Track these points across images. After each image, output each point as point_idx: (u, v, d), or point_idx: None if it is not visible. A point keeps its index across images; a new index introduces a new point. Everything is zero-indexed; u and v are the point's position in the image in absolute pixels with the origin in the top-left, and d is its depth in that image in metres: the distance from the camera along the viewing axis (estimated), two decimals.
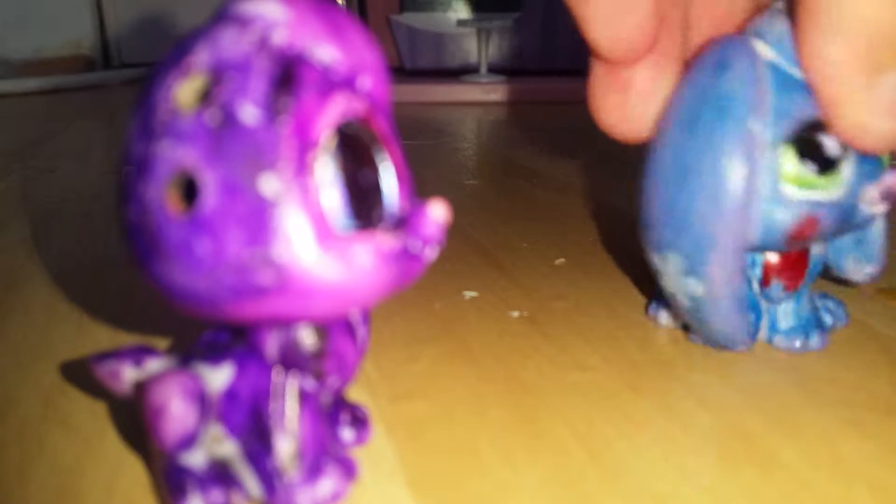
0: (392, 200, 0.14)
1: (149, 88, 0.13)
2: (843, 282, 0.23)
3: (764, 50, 0.19)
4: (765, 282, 0.21)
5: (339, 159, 0.16)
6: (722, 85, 0.18)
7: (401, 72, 0.91)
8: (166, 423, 0.14)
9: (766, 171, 0.18)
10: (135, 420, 0.16)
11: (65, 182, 0.45)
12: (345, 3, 0.86)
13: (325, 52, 0.13)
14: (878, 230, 0.22)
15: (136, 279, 0.14)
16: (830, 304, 0.23)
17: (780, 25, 0.19)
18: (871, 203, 0.20)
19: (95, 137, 0.63)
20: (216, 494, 0.14)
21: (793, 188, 0.19)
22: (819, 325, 0.22)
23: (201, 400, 0.14)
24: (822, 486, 0.16)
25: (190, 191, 0.12)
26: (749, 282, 0.22)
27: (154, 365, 0.15)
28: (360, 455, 0.17)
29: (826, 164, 0.19)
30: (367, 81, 0.14)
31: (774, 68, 0.19)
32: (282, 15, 0.13)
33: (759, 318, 0.22)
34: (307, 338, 0.14)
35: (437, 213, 0.14)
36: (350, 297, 0.13)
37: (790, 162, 0.18)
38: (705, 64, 0.19)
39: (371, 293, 0.13)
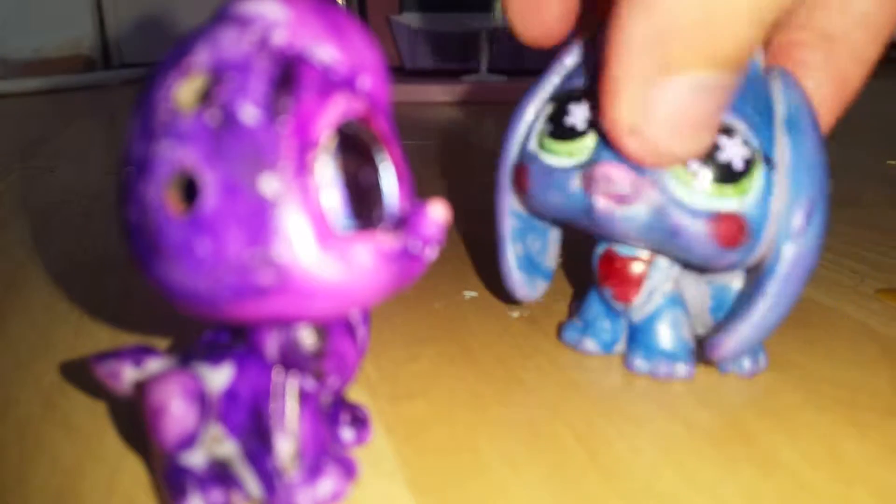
0: (392, 200, 0.14)
1: (149, 88, 0.13)
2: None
3: None
4: (599, 285, 0.21)
5: (339, 159, 0.16)
6: (563, 49, 0.21)
7: (401, 72, 0.91)
8: (166, 423, 0.14)
9: (535, 123, 0.20)
10: (135, 420, 0.16)
11: (65, 182, 0.45)
12: (345, 3, 0.86)
13: (325, 52, 0.13)
14: (754, 305, 0.18)
15: (136, 279, 0.14)
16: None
17: None
18: (583, 189, 0.18)
19: (95, 137, 0.63)
20: (216, 494, 0.14)
21: (534, 140, 0.20)
22: (689, 355, 0.20)
23: (201, 400, 0.14)
24: (822, 486, 0.16)
25: (190, 191, 0.12)
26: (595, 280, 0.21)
27: (154, 365, 0.15)
28: (360, 455, 0.17)
29: (561, 131, 0.19)
30: (367, 81, 0.14)
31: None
32: (282, 15, 0.13)
33: (617, 327, 0.21)
34: (307, 338, 0.14)
35: (437, 213, 0.14)
36: (350, 297, 0.13)
37: (544, 118, 0.20)
38: None
39: (371, 293, 0.13)
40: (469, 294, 0.26)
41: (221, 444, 0.15)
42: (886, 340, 0.22)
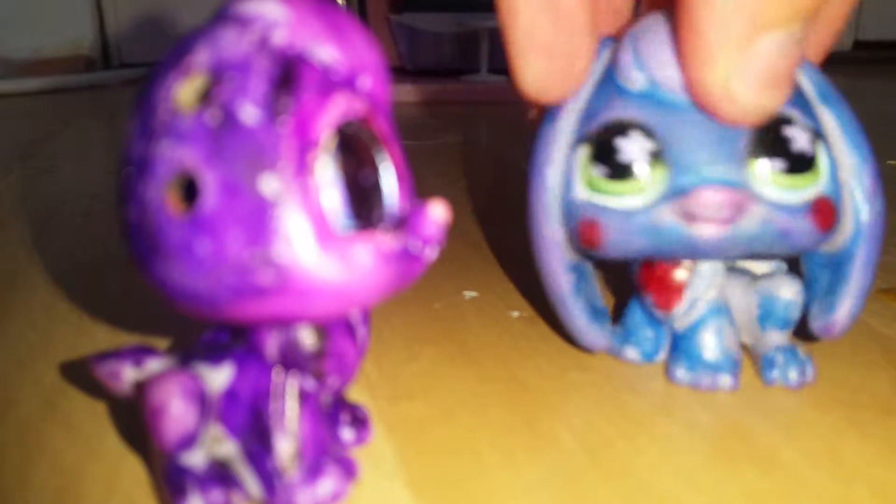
0: (392, 200, 0.14)
1: (149, 88, 0.13)
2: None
3: (608, 54, 0.19)
4: (639, 293, 0.20)
5: (339, 159, 0.16)
6: None
7: (401, 72, 0.91)
8: (166, 423, 0.14)
9: (571, 169, 0.19)
10: (135, 420, 0.16)
11: (65, 182, 0.45)
12: (345, 3, 0.86)
13: (326, 52, 0.13)
14: (851, 274, 0.19)
15: (136, 279, 0.14)
16: (781, 358, 0.20)
17: (646, 32, 0.18)
18: (682, 222, 0.17)
19: (95, 137, 0.63)
20: (216, 494, 0.14)
21: (584, 189, 0.19)
22: (734, 365, 0.19)
23: (201, 400, 0.14)
24: (822, 486, 0.16)
25: (190, 191, 0.12)
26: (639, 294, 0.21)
27: (154, 365, 0.15)
28: (360, 455, 0.17)
29: (619, 170, 0.18)
30: (367, 81, 0.14)
31: (608, 69, 0.19)
32: (282, 15, 0.13)
33: (659, 336, 0.21)
34: (307, 338, 0.14)
35: (437, 213, 0.14)
36: (350, 297, 0.13)
37: (585, 162, 0.18)
38: None
39: (371, 293, 0.13)
40: (469, 294, 0.26)
41: (221, 444, 0.15)
42: (887, 340, 0.22)
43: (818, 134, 0.18)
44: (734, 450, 0.17)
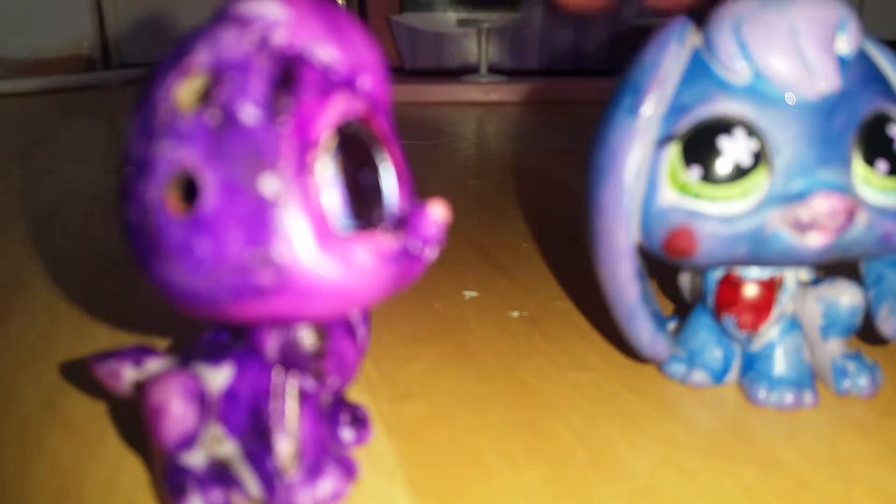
0: (392, 200, 0.14)
1: (149, 88, 0.13)
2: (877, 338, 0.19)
3: (696, 38, 0.17)
4: (716, 313, 0.19)
5: (339, 159, 0.16)
6: (633, 72, 0.17)
7: (401, 72, 0.91)
8: (166, 423, 0.14)
9: (654, 169, 0.17)
10: (135, 420, 0.16)
11: (65, 182, 0.45)
12: (345, 3, 0.86)
13: (326, 52, 0.13)
14: None
15: (136, 279, 0.14)
16: (851, 366, 0.19)
17: (752, 16, 0.16)
18: (791, 231, 0.16)
19: (95, 137, 0.63)
20: (216, 494, 0.14)
21: (672, 192, 0.17)
22: (812, 380, 0.19)
23: (201, 400, 0.14)
24: (822, 486, 0.16)
25: (190, 191, 0.12)
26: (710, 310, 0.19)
27: (154, 365, 0.15)
28: (360, 455, 0.17)
29: (719, 172, 0.16)
30: (367, 81, 0.14)
31: (696, 56, 0.17)
32: (282, 15, 0.13)
33: (728, 355, 0.19)
34: (307, 338, 0.14)
35: (437, 213, 0.14)
36: (350, 297, 0.13)
37: (675, 162, 0.17)
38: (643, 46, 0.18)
39: (371, 293, 0.13)
40: (469, 294, 0.26)
41: (221, 444, 0.15)
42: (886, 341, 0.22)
43: None
44: (734, 450, 0.17)
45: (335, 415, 0.17)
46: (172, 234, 0.12)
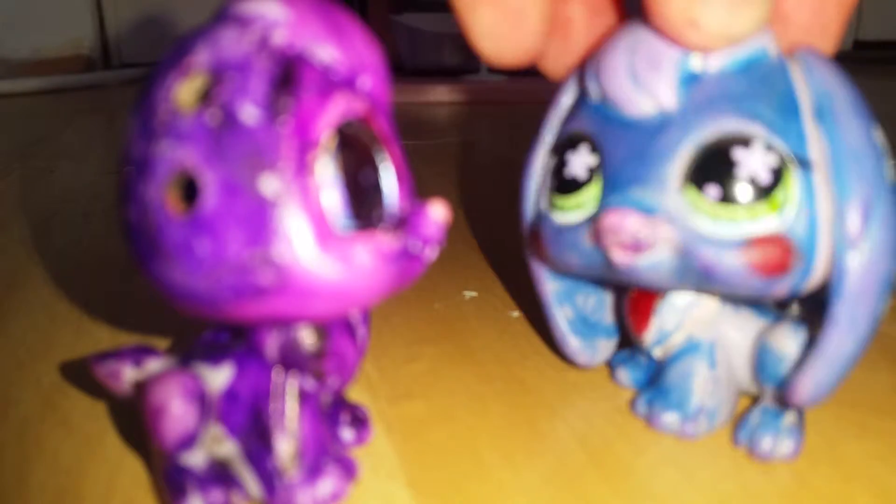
0: (392, 200, 0.14)
1: (149, 88, 0.13)
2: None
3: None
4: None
5: (339, 159, 0.16)
6: (557, 91, 0.19)
7: (401, 72, 0.91)
8: (166, 423, 0.14)
9: (544, 180, 0.18)
10: (135, 420, 0.16)
11: (65, 182, 0.45)
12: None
13: (326, 52, 0.13)
14: (823, 335, 0.15)
15: (136, 279, 0.14)
16: (756, 419, 0.17)
17: (611, 42, 0.17)
18: (596, 246, 0.16)
19: (95, 137, 0.63)
20: (216, 494, 0.14)
21: (544, 198, 0.18)
22: (697, 411, 0.17)
23: (201, 400, 0.14)
24: (822, 486, 0.16)
25: (190, 191, 0.12)
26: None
27: (154, 365, 0.15)
28: (360, 455, 0.17)
29: (564, 184, 0.17)
30: (367, 81, 0.14)
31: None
32: (282, 15, 0.13)
33: (651, 363, 0.19)
34: (307, 338, 0.14)
35: (437, 213, 0.14)
36: (350, 297, 0.13)
37: (548, 173, 0.18)
38: None
39: (371, 293, 0.13)
40: (469, 294, 0.26)
41: (221, 444, 0.15)
42: (886, 340, 0.22)
43: (798, 158, 0.15)
44: (734, 450, 0.17)
45: (335, 415, 0.17)
46: (172, 234, 0.12)
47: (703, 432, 0.17)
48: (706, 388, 0.17)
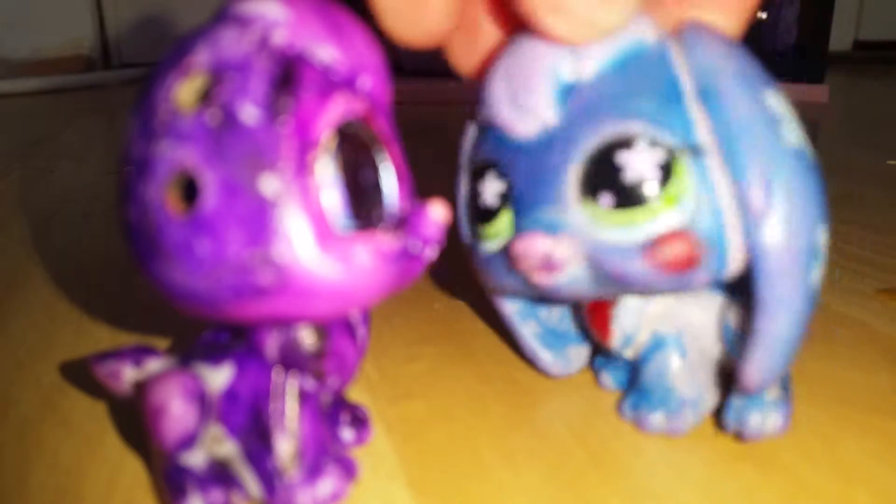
0: (392, 200, 0.14)
1: (149, 88, 0.13)
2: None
3: None
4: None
5: (339, 159, 0.16)
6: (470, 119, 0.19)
7: (401, 72, 0.91)
8: (166, 423, 0.14)
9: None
10: (135, 420, 0.16)
11: (65, 182, 0.45)
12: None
13: (326, 52, 0.13)
14: (757, 318, 0.14)
15: (136, 279, 0.14)
16: (739, 401, 0.17)
17: (496, 63, 0.17)
18: (519, 271, 0.16)
19: (95, 137, 0.63)
20: (216, 494, 0.14)
21: (470, 231, 0.18)
22: (678, 404, 0.17)
23: (201, 400, 0.14)
24: (822, 486, 0.16)
25: (190, 191, 0.12)
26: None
27: (154, 365, 0.15)
28: (360, 455, 0.17)
29: (480, 213, 0.17)
30: (367, 81, 0.14)
31: None
32: (282, 15, 0.13)
33: (629, 364, 0.19)
34: (307, 338, 0.14)
35: (437, 213, 0.14)
36: (350, 297, 0.13)
37: (464, 203, 0.18)
38: None
39: (371, 293, 0.13)
40: (469, 294, 0.26)
41: (221, 444, 0.15)
42: (886, 340, 0.22)
43: (688, 146, 0.14)
44: (734, 450, 0.17)
45: (335, 415, 0.17)
46: (172, 234, 0.12)
47: (692, 423, 0.17)
48: (683, 379, 0.17)
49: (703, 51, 0.15)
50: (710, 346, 0.18)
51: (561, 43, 0.15)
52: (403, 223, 0.14)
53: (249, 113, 0.12)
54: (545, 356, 0.19)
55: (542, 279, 0.15)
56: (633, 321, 0.18)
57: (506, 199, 0.16)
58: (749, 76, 0.15)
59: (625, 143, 0.14)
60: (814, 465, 0.16)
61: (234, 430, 0.14)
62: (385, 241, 0.13)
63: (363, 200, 0.15)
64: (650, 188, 0.14)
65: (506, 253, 0.16)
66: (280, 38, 0.13)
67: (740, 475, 0.16)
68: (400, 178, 0.14)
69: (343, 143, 0.16)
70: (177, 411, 0.14)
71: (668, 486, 0.16)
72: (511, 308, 0.19)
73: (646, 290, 0.15)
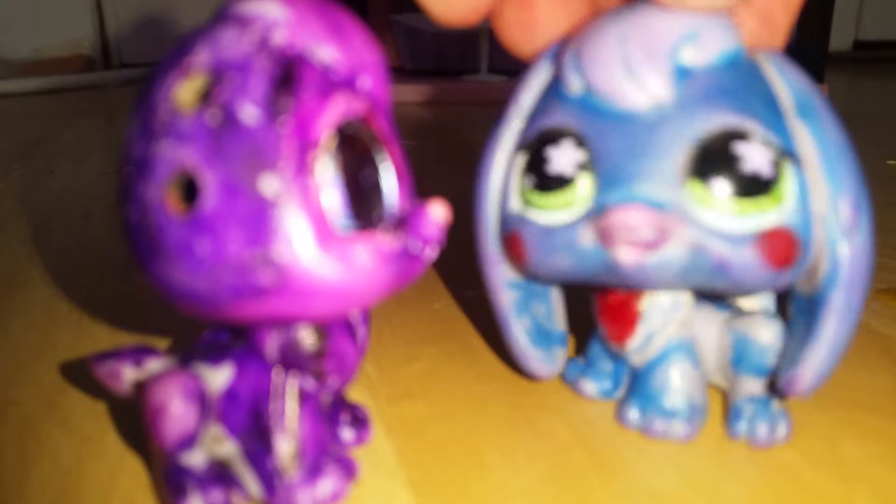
0: (392, 200, 0.14)
1: (149, 88, 0.13)
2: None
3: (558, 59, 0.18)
4: (596, 321, 0.19)
5: (339, 159, 0.16)
6: (517, 87, 0.18)
7: (401, 72, 0.91)
8: (166, 423, 0.14)
9: (509, 178, 0.18)
10: (135, 420, 0.16)
11: (65, 182, 0.45)
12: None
13: (326, 52, 0.13)
14: (822, 322, 0.15)
15: (136, 279, 0.14)
16: (750, 409, 0.17)
17: (591, 32, 0.16)
18: (599, 244, 0.15)
19: (95, 137, 0.63)
20: (216, 494, 0.14)
21: (517, 199, 0.17)
22: (692, 412, 0.17)
23: (201, 400, 0.14)
24: (822, 486, 0.16)
25: (190, 191, 0.12)
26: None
27: (154, 365, 0.15)
28: (360, 455, 0.17)
29: (547, 181, 0.16)
30: (367, 81, 0.14)
31: (557, 78, 0.17)
32: (282, 15, 0.13)
33: (619, 370, 0.19)
34: (307, 338, 0.14)
35: (437, 213, 0.14)
36: (350, 297, 0.13)
37: (521, 171, 0.17)
38: None
39: (371, 293, 0.13)
40: (469, 294, 0.26)
41: (221, 444, 0.15)
42: (886, 340, 0.22)
43: (788, 153, 0.15)
44: (734, 450, 0.17)
45: (335, 415, 0.17)
46: (172, 234, 0.12)
47: (698, 431, 0.17)
48: (695, 387, 0.17)
49: (794, 74, 0.16)
50: (706, 360, 0.18)
51: (678, 7, 0.15)
52: (403, 223, 0.14)
53: (249, 113, 0.12)
54: (535, 355, 0.19)
55: (632, 257, 0.15)
56: (660, 321, 0.17)
57: (585, 168, 0.16)
58: (832, 108, 0.16)
59: (742, 135, 0.15)
60: (814, 466, 0.16)
61: (234, 430, 0.14)
62: (385, 241, 0.13)
63: (363, 200, 0.15)
64: (764, 183, 0.15)
65: (584, 224, 0.16)
66: (280, 38, 0.13)
67: (741, 475, 0.16)
68: (400, 178, 0.14)
69: (343, 143, 0.16)
70: (177, 411, 0.14)
71: (668, 485, 0.16)
72: (508, 298, 0.19)
73: (737, 282, 0.15)
